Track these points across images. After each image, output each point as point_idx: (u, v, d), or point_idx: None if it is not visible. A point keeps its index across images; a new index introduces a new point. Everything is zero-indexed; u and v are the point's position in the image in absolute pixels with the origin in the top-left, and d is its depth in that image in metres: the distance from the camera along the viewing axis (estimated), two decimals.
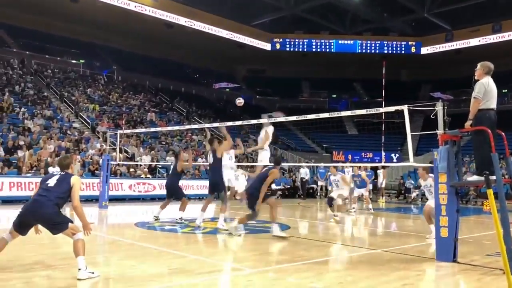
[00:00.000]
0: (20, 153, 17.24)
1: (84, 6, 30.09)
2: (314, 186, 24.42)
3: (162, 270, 5.83)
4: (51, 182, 5.42)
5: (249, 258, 6.93)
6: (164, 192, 12.10)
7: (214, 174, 9.73)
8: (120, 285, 5.11)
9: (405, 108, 7.55)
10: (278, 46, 40.92)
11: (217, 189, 9.60)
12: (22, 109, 22.42)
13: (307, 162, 26.90)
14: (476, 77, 6.52)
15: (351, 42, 40.81)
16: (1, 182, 14.58)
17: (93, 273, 5.17)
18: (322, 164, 23.38)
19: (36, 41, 31.99)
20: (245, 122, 12.47)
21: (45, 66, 31.38)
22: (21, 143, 18.09)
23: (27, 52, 31.68)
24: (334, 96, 46.32)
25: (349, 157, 31.77)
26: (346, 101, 43.96)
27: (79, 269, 5.10)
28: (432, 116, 7.08)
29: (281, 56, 41.47)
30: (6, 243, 5.42)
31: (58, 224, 5.27)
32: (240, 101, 11.12)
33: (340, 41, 40.93)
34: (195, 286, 5.16)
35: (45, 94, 26.62)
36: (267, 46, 40.58)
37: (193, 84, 41.81)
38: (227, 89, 47.36)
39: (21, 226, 5.39)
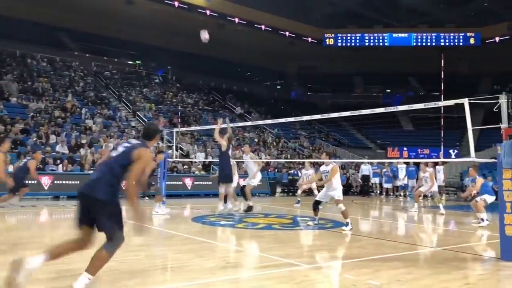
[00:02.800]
0: (82, 151, 18.14)
1: (139, 8, 31.09)
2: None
3: (218, 264, 5.94)
4: None
5: (305, 254, 6.94)
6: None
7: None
8: (179, 277, 5.26)
9: (465, 101, 7.28)
10: (330, 41, 40.45)
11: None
12: (84, 109, 23.54)
13: (360, 159, 26.45)
14: None
15: (406, 35, 39.66)
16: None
17: None
18: (375, 161, 22.98)
19: (95, 44, 33.43)
20: (297, 119, 12.49)
21: (104, 68, 32.78)
22: (83, 141, 19.04)
23: (87, 55, 33.21)
24: (388, 91, 45.21)
25: (405, 153, 30.93)
26: (400, 96, 42.79)
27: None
28: (495, 109, 6.79)
29: (333, 51, 40.97)
30: None
31: None
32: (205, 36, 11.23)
33: (394, 35, 39.88)
34: (252, 280, 5.24)
35: (104, 94, 27.81)
36: (318, 42, 40.27)
37: (245, 82, 42.21)
38: (278, 86, 47.47)
39: None
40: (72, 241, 4.33)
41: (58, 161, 16.57)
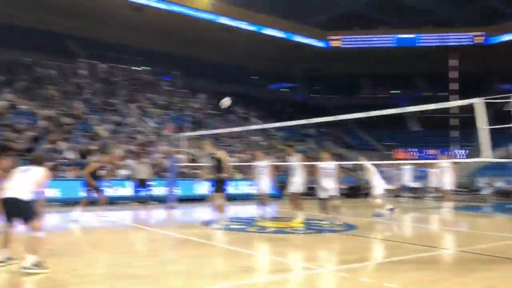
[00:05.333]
0: (92, 158, 18.18)
1: (146, 14, 31.22)
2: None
3: (231, 268, 5.91)
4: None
5: (318, 258, 6.90)
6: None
7: None
8: (193, 282, 5.24)
9: (477, 101, 7.23)
10: (335, 43, 40.40)
11: None
12: (92, 116, 23.64)
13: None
14: None
15: (412, 35, 39.50)
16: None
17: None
18: (383, 162, 22.89)
19: (102, 50, 33.56)
20: (301, 122, 12.47)
21: (112, 74, 32.92)
22: (93, 148, 19.09)
23: (95, 62, 33.35)
24: (395, 92, 45.07)
25: (412, 154, 30.82)
26: (407, 97, 42.59)
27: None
28: (506, 109, 6.75)
29: (338, 53, 40.89)
30: None
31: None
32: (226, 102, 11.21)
33: (399, 36, 39.75)
34: (267, 285, 5.20)
35: (113, 100, 27.91)
36: (323, 44, 40.24)
37: (250, 86, 42.22)
38: (283, 89, 47.48)
39: None
40: None
41: (68, 168, 16.62)
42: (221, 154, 9.94)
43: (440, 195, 16.47)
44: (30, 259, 5.22)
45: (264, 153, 12.83)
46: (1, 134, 18.32)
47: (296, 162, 10.79)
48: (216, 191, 9.82)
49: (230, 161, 9.66)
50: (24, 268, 5.18)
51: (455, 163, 19.94)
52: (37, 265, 5.24)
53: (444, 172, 14.40)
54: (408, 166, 21.80)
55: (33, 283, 5.02)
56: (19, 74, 26.68)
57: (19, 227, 5.67)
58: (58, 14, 29.77)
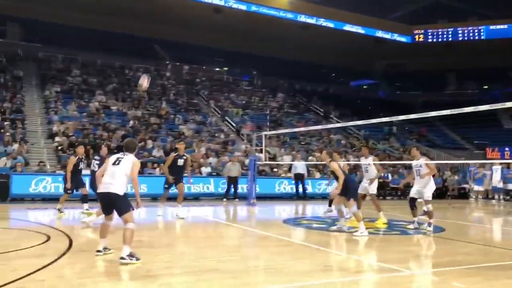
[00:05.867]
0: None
1: (226, 16, 31.98)
2: (466, 186, 22.53)
3: (316, 267, 5.86)
4: None
5: (405, 259, 6.64)
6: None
7: None
8: (275, 278, 5.26)
9: None
10: (419, 38, 38.66)
11: None
12: (177, 115, 24.69)
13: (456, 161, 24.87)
14: None
15: (505, 26, 36.70)
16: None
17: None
18: (472, 161, 21.59)
19: (185, 52, 34.96)
20: (383, 120, 12.07)
21: (194, 75, 34.18)
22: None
23: (178, 63, 34.83)
24: (485, 87, 42.17)
25: (506, 153, 28.69)
26: (498, 92, 39.65)
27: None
28: None
29: (423, 48, 39.10)
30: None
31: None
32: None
33: (491, 27, 37.12)
34: (351, 284, 5.10)
35: (195, 101, 28.95)
36: (407, 39, 38.67)
37: (330, 83, 41.72)
38: (364, 86, 46.33)
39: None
40: None
41: (155, 165, 17.50)
42: (334, 166, 9.13)
43: None
44: (125, 250, 5.56)
45: (341, 153, 12.47)
46: (95, 133, 19.74)
47: (370, 162, 10.42)
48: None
49: (341, 169, 8.95)
50: (122, 258, 5.53)
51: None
52: (131, 255, 5.57)
53: None
54: (500, 166, 20.35)
55: (126, 271, 5.33)
56: (110, 76, 28.60)
57: (116, 219, 6.06)
58: (145, 20, 31.48)
